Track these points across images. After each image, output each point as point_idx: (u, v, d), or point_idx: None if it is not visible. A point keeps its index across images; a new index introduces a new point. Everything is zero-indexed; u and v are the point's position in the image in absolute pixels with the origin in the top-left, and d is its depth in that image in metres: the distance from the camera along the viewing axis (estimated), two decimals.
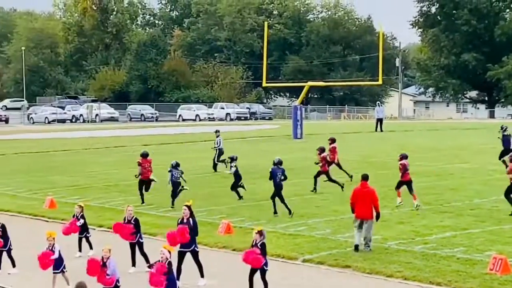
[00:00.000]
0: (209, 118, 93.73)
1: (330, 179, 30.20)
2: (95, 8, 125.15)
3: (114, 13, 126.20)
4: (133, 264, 19.74)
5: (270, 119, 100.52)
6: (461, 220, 24.18)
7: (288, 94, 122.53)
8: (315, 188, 29.97)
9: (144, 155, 28.79)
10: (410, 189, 26.29)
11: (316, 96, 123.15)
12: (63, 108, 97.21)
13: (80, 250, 21.45)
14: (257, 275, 16.91)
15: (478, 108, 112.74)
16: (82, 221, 21.19)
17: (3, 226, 20.01)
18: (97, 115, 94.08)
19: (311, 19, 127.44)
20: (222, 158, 36.98)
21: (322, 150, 30.40)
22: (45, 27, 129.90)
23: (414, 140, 53.12)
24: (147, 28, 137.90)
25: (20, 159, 46.24)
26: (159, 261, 15.56)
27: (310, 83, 68.37)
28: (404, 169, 26.18)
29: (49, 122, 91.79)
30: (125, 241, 19.68)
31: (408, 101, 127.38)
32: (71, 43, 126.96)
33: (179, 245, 17.95)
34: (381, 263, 19.30)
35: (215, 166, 37.43)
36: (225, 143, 39.13)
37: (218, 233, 23.02)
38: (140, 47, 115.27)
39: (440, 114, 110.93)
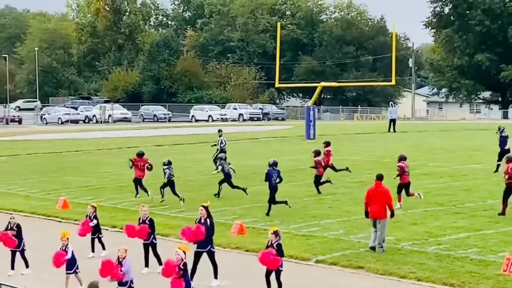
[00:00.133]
0: (222, 118, 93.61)
1: (321, 182, 29.74)
2: (108, 9, 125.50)
3: (127, 13, 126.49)
4: (146, 265, 19.74)
5: (283, 119, 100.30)
6: (474, 221, 24.07)
7: (301, 95, 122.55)
8: (319, 192, 29.49)
9: (140, 155, 30.10)
10: (407, 192, 26.03)
11: (329, 96, 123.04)
12: (76, 108, 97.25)
13: (93, 250, 21.46)
14: (272, 275, 16.90)
15: (491, 109, 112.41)
16: (95, 221, 21.20)
17: (18, 226, 20.07)
18: (110, 115, 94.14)
19: (324, 20, 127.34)
20: (213, 157, 36.44)
21: (317, 153, 29.92)
22: (58, 28, 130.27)
23: (427, 140, 52.94)
24: (160, 29, 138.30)
25: (33, 160, 46.32)
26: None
27: (323, 83, 68.27)
28: (401, 171, 25.94)
29: (62, 123, 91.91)
30: (138, 242, 19.66)
31: (421, 101, 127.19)
32: (84, 44, 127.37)
33: (195, 245, 17.95)
34: (394, 264, 19.25)
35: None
36: (238, 143, 39.02)
37: (231, 233, 22.99)
38: (153, 47, 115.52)
39: (453, 114, 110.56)
